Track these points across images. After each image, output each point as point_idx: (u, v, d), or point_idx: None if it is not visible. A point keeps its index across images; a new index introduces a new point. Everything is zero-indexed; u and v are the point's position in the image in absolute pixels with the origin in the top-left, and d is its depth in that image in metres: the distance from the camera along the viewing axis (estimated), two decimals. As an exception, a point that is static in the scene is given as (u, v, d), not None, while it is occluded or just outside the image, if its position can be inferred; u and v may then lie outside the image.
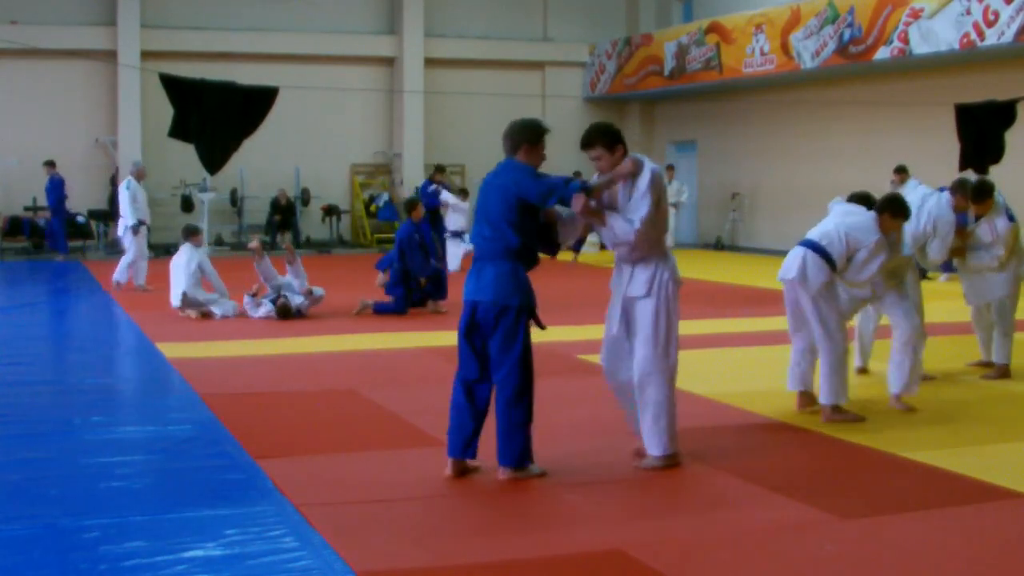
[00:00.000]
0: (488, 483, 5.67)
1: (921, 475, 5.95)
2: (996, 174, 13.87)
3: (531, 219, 5.75)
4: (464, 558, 4.67)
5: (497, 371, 5.70)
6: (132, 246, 14.81)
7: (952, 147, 14.61)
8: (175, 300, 12.25)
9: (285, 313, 11.82)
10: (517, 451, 5.68)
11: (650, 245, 5.92)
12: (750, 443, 6.68)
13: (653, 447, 5.97)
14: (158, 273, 16.49)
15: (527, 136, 5.80)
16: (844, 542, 4.86)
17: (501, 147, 5.83)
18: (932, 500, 5.52)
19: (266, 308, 11.99)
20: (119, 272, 14.84)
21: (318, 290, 12.38)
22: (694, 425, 7.08)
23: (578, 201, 5.69)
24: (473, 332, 5.75)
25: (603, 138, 5.95)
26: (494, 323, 5.65)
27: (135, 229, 14.83)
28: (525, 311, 5.69)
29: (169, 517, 5.11)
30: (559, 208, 5.88)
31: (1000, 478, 5.81)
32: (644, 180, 5.89)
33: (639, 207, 5.85)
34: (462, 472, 5.78)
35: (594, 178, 6.02)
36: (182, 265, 12.26)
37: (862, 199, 7.58)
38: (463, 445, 5.75)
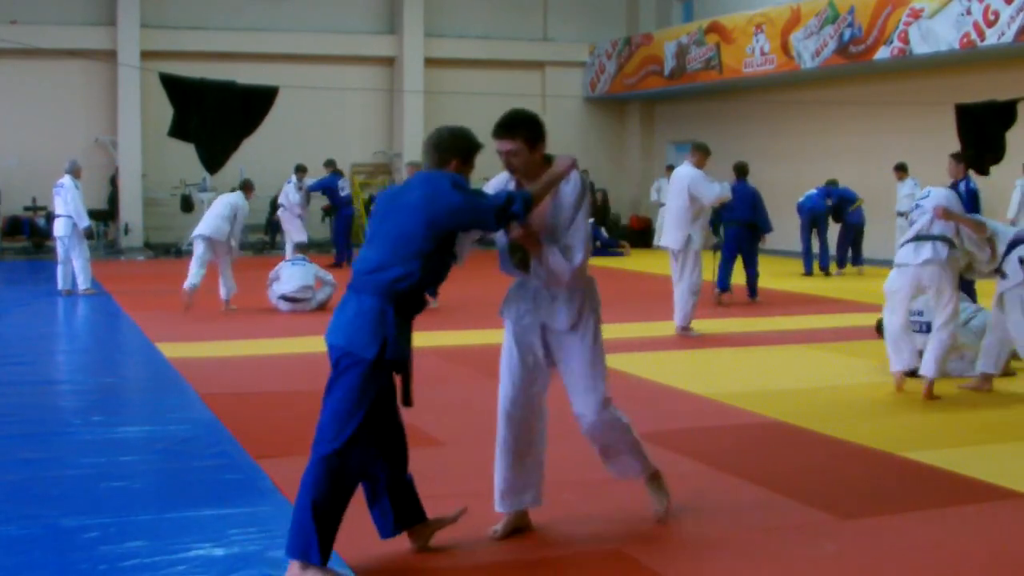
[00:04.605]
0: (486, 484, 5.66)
1: (921, 475, 5.95)
2: (997, 174, 13.89)
3: (445, 250, 4.37)
4: (464, 558, 4.67)
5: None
6: (84, 247, 14.11)
7: (952, 147, 14.61)
8: (203, 228, 12.46)
9: None
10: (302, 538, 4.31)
11: (581, 275, 4.66)
12: (750, 443, 6.68)
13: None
14: (156, 274, 16.52)
15: (461, 149, 4.51)
16: (844, 542, 4.86)
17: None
18: (932, 500, 5.51)
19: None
20: (84, 279, 14.03)
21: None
22: (694, 425, 7.10)
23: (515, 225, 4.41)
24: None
25: (529, 129, 4.58)
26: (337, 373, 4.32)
27: (88, 231, 14.42)
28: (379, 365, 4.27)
29: (169, 517, 5.10)
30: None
31: (1000, 478, 5.81)
32: (572, 189, 4.54)
33: (574, 230, 4.51)
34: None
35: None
36: (226, 201, 12.54)
37: None
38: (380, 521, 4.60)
